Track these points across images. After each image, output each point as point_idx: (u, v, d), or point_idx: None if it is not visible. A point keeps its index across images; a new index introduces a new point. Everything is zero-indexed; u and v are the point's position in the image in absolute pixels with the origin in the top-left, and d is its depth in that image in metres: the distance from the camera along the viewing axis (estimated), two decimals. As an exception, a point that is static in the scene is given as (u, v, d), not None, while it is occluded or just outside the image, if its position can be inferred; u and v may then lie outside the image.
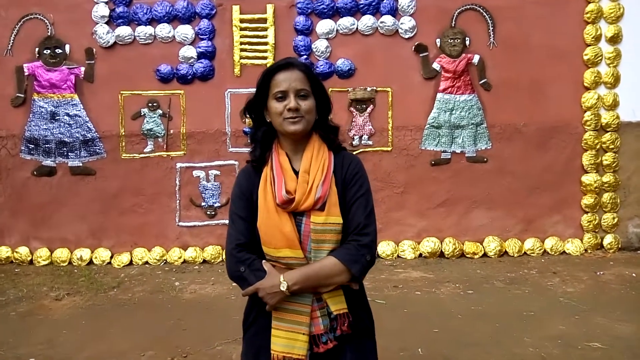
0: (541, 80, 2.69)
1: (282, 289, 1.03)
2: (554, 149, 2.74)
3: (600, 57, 2.69)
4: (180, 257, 2.70)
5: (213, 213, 2.74)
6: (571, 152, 2.75)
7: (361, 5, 2.66)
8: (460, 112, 2.72)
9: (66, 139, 2.68)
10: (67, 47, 2.64)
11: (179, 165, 2.71)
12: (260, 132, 1.11)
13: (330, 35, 2.68)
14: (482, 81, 2.70)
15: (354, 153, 2.64)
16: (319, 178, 1.09)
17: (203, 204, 2.73)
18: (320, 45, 2.68)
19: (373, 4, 2.66)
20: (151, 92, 2.68)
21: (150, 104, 2.68)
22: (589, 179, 2.74)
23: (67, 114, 2.67)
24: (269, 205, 1.08)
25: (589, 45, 2.69)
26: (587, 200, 2.76)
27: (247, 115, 1.10)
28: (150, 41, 2.66)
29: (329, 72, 2.69)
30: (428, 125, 2.73)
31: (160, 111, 2.68)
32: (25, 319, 2.12)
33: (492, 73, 2.70)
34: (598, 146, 2.74)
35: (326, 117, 1.13)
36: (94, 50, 2.65)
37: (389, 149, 2.73)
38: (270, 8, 2.66)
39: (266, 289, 1.04)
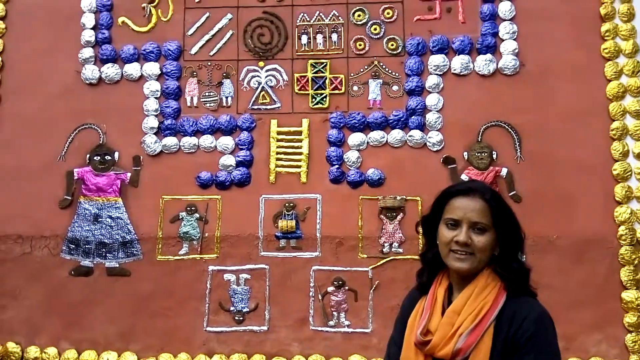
0: (571, 193, 2.70)
1: None
2: (590, 263, 2.66)
3: (629, 173, 2.70)
4: (205, 365, 2.62)
5: (241, 318, 2.70)
6: (608, 267, 2.66)
7: (390, 121, 2.80)
8: (491, 222, 2.72)
9: (106, 240, 2.76)
10: (116, 155, 2.83)
11: (211, 268, 2.73)
12: (431, 254, 0.97)
13: (361, 147, 2.80)
14: (512, 193, 2.72)
15: (388, 260, 2.60)
16: (467, 324, 0.88)
17: (232, 308, 2.70)
18: (351, 155, 2.79)
19: (402, 119, 2.80)
20: (190, 197, 2.79)
21: (188, 208, 2.78)
22: (629, 295, 2.62)
23: (110, 216, 2.78)
24: (410, 340, 0.94)
25: (617, 161, 2.71)
26: (630, 318, 2.61)
27: (420, 232, 0.98)
28: (193, 150, 2.83)
29: (359, 181, 2.77)
30: (459, 235, 2.71)
31: (197, 215, 2.77)
32: None
33: (521, 185, 2.72)
34: (636, 261, 2.65)
35: (513, 253, 0.93)
36: (141, 157, 2.82)
37: (420, 257, 2.71)
38: (305, 122, 2.82)
39: None
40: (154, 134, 2.84)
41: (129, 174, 2.81)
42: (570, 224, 2.70)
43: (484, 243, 0.92)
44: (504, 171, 2.74)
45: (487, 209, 0.94)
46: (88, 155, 2.83)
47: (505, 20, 2.82)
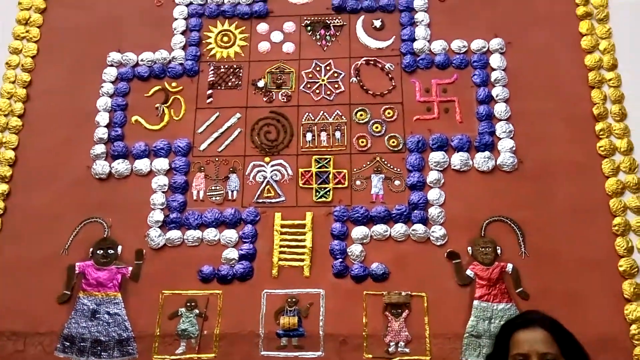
0: (578, 291, 2.58)
1: None
2: (604, 364, 2.52)
3: (636, 269, 2.60)
4: None
5: None
6: (624, 369, 2.52)
7: (393, 215, 2.78)
8: (500, 320, 2.57)
9: (102, 338, 2.62)
10: (119, 248, 2.78)
11: (208, 369, 2.58)
12: None
13: (364, 241, 2.76)
14: (519, 290, 2.61)
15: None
16: None
17: (229, 414, 2.51)
18: (355, 249, 2.73)
19: (404, 213, 2.78)
20: (191, 291, 2.69)
21: (188, 304, 2.67)
22: (650, 401, 2.45)
23: (108, 312, 2.66)
24: None
25: (622, 257, 2.63)
26: None
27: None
28: (197, 244, 2.78)
29: (363, 275, 2.68)
30: (467, 334, 2.57)
31: (197, 311, 2.66)
32: None
33: (527, 282, 2.62)
34: (653, 363, 2.51)
35: None
36: (144, 251, 2.77)
37: (428, 358, 2.55)
38: (309, 215, 2.80)
39: None
40: (159, 227, 2.81)
41: (130, 268, 2.74)
42: (580, 324, 2.45)
43: None
44: (510, 267, 2.67)
45: (551, 339, 0.97)
46: (91, 249, 2.78)
47: (501, 120, 2.90)
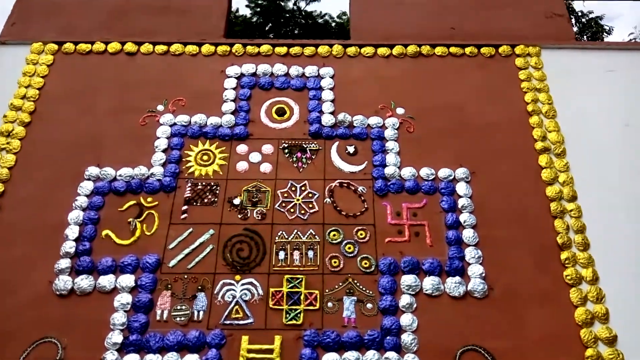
0: None
1: None
2: None
3: None
4: None
5: None
6: None
7: (365, 340, 2.63)
8: None
9: None
10: (71, 374, 2.53)
11: None
12: None
13: (335, 370, 2.57)
14: None
15: None
16: None
17: None
18: (325, 381, 2.54)
19: (377, 340, 2.63)
20: None
21: None
22: None
23: None
24: None
25: (600, 392, 2.53)
26: None
27: None
28: (155, 371, 2.55)
29: (334, 409, 2.47)
30: None
31: None
32: None
33: (505, 420, 2.46)
34: None
35: None
36: (97, 378, 2.52)
37: None
38: (277, 340, 2.63)
39: None
40: (117, 350, 2.58)
41: (80, 398, 2.47)
42: None
43: None
44: (486, 402, 2.50)
45: None
46: (41, 373, 2.52)
47: (469, 245, 2.90)
